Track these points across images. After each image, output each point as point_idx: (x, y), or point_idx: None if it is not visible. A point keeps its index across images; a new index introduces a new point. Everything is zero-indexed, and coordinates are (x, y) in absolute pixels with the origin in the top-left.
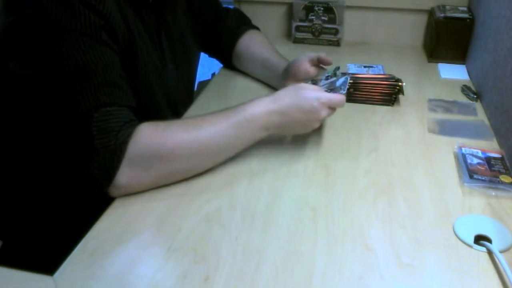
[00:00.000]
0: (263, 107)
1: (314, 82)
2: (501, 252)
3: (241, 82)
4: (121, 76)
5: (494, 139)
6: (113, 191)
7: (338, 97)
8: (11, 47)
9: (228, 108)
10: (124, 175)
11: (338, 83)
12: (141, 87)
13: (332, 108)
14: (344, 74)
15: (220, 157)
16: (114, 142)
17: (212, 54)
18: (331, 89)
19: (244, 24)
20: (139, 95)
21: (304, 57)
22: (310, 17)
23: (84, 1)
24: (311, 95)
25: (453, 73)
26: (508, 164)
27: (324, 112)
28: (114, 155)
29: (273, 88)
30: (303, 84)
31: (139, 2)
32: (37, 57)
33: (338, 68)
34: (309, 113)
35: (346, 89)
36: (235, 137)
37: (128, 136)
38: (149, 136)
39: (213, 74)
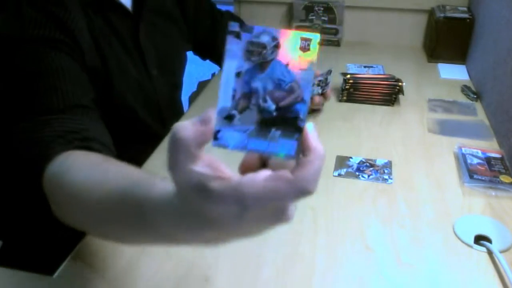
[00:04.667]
0: None
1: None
2: (501, 252)
3: None
4: (74, 84)
5: (494, 139)
6: None
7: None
8: None
9: None
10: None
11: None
12: (116, 98)
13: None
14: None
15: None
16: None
17: (212, 59)
18: (322, 87)
19: None
20: (115, 106)
21: None
22: (310, 17)
23: (49, 15)
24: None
25: (453, 73)
26: (508, 164)
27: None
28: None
29: None
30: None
31: (109, 8)
32: None
33: (330, 72)
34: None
35: (324, 87)
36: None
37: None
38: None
39: (213, 74)
